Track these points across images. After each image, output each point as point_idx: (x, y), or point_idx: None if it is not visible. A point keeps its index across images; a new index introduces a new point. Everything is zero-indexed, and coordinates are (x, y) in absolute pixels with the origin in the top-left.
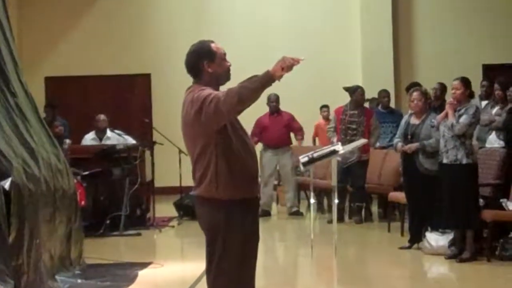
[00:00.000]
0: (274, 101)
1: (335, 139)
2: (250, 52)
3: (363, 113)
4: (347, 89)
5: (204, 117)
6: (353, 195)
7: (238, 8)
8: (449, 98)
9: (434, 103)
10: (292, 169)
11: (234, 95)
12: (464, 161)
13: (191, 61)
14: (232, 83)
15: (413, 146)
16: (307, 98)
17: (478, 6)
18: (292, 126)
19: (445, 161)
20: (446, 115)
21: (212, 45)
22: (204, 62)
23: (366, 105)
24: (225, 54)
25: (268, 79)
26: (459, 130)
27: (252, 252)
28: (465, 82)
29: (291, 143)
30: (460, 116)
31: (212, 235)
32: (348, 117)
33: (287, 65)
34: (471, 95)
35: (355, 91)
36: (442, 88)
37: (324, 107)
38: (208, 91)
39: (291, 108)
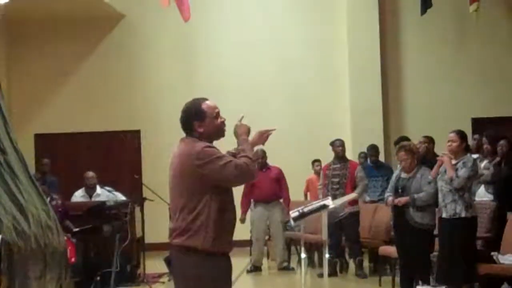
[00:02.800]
0: (261, 157)
1: (321, 196)
2: (239, 109)
3: (346, 166)
4: (330, 143)
5: (222, 176)
6: (351, 249)
7: (227, 66)
8: (442, 150)
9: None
10: (282, 223)
11: (251, 165)
12: (463, 215)
13: (183, 120)
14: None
15: (403, 199)
16: (298, 153)
17: (466, 60)
18: (280, 181)
19: (444, 215)
20: (440, 169)
21: (204, 105)
22: (194, 122)
23: (352, 158)
24: (218, 111)
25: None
26: (458, 183)
27: None
28: (462, 135)
29: (281, 198)
30: (457, 170)
31: (193, 285)
32: (332, 171)
33: (265, 138)
34: (467, 148)
35: (332, 144)
36: (429, 141)
37: (316, 161)
38: (218, 152)
39: (282, 162)
